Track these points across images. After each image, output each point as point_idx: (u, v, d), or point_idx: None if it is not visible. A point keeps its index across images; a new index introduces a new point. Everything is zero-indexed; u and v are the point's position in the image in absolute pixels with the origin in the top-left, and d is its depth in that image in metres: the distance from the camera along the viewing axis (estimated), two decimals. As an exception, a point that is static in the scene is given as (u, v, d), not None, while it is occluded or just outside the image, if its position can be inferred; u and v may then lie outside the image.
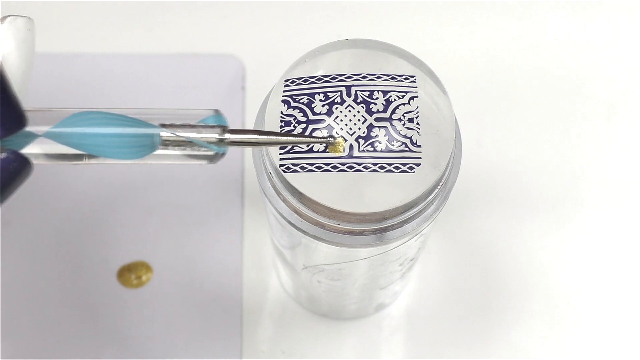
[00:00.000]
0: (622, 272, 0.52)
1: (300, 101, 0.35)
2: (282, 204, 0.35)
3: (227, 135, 0.32)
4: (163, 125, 0.32)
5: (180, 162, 0.33)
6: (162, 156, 0.32)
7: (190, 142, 0.32)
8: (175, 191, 0.53)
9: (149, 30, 0.57)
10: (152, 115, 0.32)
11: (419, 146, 0.34)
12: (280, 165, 0.34)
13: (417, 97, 0.35)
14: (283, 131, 0.35)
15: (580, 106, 0.56)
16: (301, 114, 0.35)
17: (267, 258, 0.52)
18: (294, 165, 0.34)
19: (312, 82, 0.35)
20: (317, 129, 0.34)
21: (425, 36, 0.57)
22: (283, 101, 0.35)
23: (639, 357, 0.51)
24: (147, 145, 0.32)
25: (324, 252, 0.38)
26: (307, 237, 0.36)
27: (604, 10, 0.58)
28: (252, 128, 0.34)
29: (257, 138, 0.33)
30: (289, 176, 0.34)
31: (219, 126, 0.32)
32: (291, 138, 0.34)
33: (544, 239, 0.53)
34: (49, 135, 0.31)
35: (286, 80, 0.35)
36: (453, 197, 0.37)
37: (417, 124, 0.34)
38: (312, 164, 0.34)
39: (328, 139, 0.34)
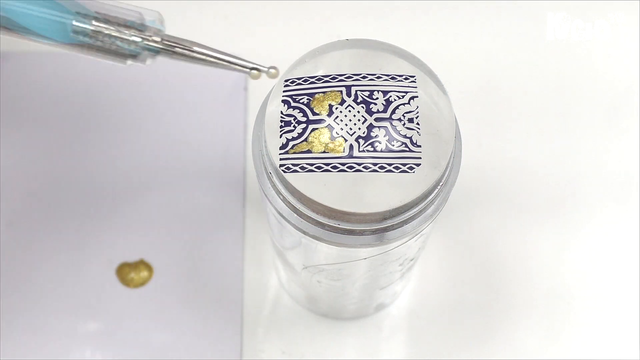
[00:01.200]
0: (622, 272, 0.52)
1: (300, 101, 0.35)
2: (282, 204, 0.35)
3: (153, 38, 0.34)
4: (84, 15, 0.34)
5: (107, 59, 0.35)
6: (89, 46, 0.34)
7: (117, 37, 0.34)
8: (177, 191, 0.53)
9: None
10: (92, 4, 0.34)
11: (419, 146, 0.34)
12: (280, 166, 0.34)
13: (417, 97, 0.35)
14: (283, 131, 0.35)
15: (581, 106, 0.56)
16: (301, 114, 0.35)
17: (267, 258, 0.52)
18: (294, 165, 0.34)
19: (312, 82, 0.35)
20: (317, 128, 0.34)
21: (425, 36, 0.57)
22: (283, 101, 0.35)
23: (639, 357, 0.51)
24: (63, 27, 0.34)
25: (324, 252, 0.38)
26: (307, 237, 0.36)
27: (604, 10, 0.58)
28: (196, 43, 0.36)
29: (182, 47, 0.35)
30: (289, 176, 0.34)
31: (151, 28, 0.34)
32: (224, 57, 0.35)
33: (544, 238, 0.53)
34: None
35: (286, 80, 0.35)
36: (453, 197, 0.37)
37: (417, 124, 0.34)
38: (312, 164, 0.34)
39: (269, 70, 0.36)
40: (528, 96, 0.56)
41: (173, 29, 0.57)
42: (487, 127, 0.55)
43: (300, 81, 0.35)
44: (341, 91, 0.35)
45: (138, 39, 0.34)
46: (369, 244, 0.35)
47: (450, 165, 0.35)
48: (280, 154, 0.34)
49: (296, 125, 0.35)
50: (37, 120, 0.54)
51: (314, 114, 0.35)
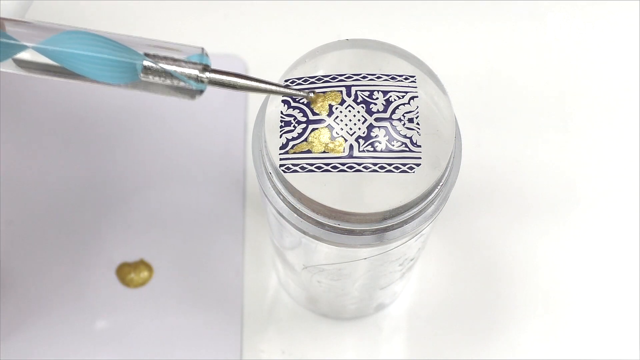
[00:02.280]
0: (622, 272, 0.52)
1: (300, 101, 0.35)
2: (282, 204, 0.35)
3: (207, 74, 0.33)
4: (147, 55, 0.33)
5: (162, 95, 0.34)
6: (145, 84, 0.34)
7: (170, 74, 0.33)
8: (177, 191, 0.53)
9: (150, 30, 0.57)
10: (139, 44, 0.34)
11: (419, 146, 0.34)
12: (280, 166, 0.34)
13: (417, 97, 0.35)
14: (283, 131, 0.35)
15: (580, 106, 0.56)
16: (301, 114, 0.35)
17: (267, 258, 0.52)
18: (294, 165, 0.34)
19: (312, 82, 0.35)
20: (317, 128, 0.34)
21: (425, 36, 0.57)
22: (283, 101, 0.35)
23: (639, 357, 0.51)
24: (129, 72, 0.33)
25: (324, 252, 0.38)
26: (307, 237, 0.36)
27: (604, 10, 0.58)
28: (236, 72, 0.35)
29: (235, 81, 0.34)
30: (289, 176, 0.34)
31: (200, 64, 0.33)
32: (270, 87, 0.34)
33: (544, 238, 0.53)
34: (36, 49, 0.34)
35: (286, 80, 0.35)
36: (453, 197, 0.37)
37: (417, 124, 0.34)
38: (312, 164, 0.34)
39: (309, 94, 0.35)
40: (528, 96, 0.56)
41: (173, 29, 0.57)
42: (487, 127, 0.55)
43: (300, 81, 0.35)
44: (341, 91, 0.35)
45: (201, 75, 0.34)
46: (369, 244, 0.35)
47: (450, 165, 0.35)
48: (280, 154, 0.34)
49: (296, 125, 0.35)
50: (38, 120, 0.54)
51: (314, 114, 0.35)
